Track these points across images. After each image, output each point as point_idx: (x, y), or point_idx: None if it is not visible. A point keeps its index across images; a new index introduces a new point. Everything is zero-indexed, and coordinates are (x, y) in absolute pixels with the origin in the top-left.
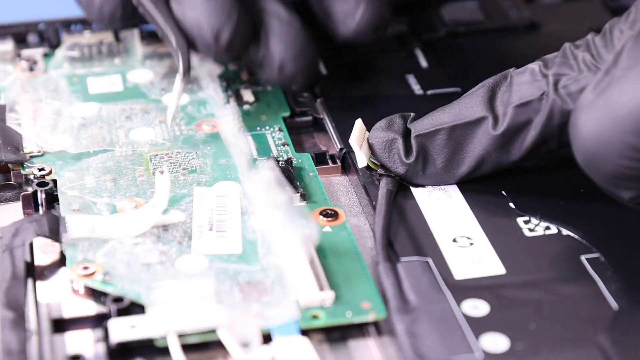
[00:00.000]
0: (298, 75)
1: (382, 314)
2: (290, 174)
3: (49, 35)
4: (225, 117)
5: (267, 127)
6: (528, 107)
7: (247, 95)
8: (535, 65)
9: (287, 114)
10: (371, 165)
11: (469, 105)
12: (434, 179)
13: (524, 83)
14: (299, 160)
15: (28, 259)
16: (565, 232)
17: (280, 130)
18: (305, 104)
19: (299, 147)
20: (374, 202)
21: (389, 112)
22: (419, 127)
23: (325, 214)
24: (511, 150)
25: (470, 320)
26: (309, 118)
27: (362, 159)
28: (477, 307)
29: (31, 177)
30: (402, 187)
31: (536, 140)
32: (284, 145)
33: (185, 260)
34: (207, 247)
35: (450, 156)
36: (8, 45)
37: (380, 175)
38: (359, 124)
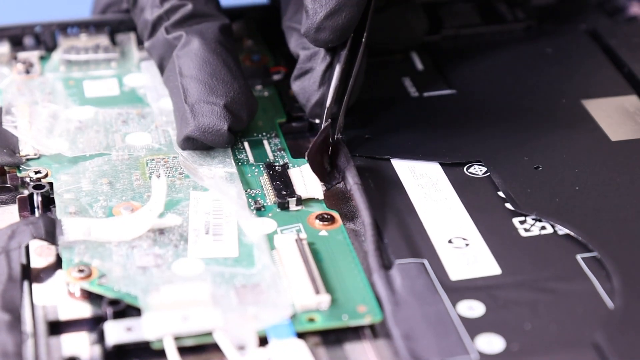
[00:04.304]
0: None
1: (378, 318)
2: (287, 179)
3: (45, 38)
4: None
5: (264, 133)
6: None
7: None
8: None
9: (283, 119)
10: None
11: None
12: None
13: None
14: (295, 166)
15: (24, 261)
16: (560, 231)
17: (276, 136)
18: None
19: (295, 152)
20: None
21: (386, 115)
22: None
23: (321, 218)
24: None
25: (466, 321)
26: (305, 123)
27: (317, 193)
28: (472, 308)
29: (27, 179)
30: (397, 185)
31: None
32: (280, 150)
33: (181, 263)
34: (203, 251)
35: None
36: (4, 48)
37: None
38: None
